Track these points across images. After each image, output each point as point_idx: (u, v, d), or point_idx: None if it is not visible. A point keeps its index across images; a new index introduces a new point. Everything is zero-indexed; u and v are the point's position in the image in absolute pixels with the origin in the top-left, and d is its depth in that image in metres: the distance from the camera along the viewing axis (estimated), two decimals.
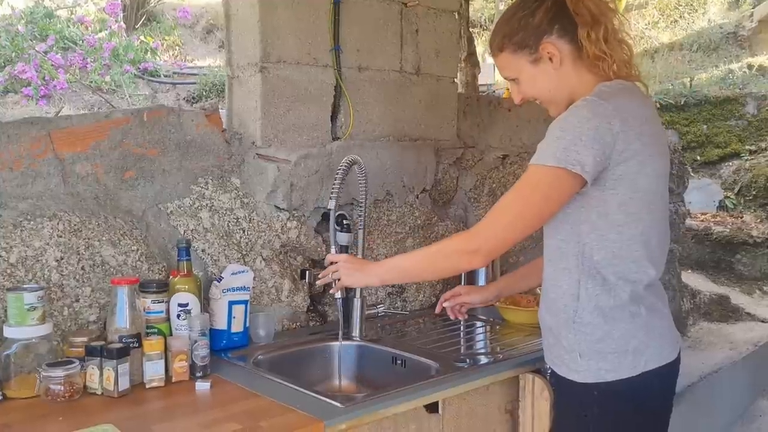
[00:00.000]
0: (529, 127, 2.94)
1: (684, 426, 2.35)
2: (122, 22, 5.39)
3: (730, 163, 6.21)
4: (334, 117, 2.27)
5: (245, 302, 1.89)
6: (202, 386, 1.59)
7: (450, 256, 1.57)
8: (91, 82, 4.61)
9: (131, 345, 1.57)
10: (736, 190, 6.01)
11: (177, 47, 6.17)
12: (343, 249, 2.02)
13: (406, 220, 2.42)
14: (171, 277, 1.79)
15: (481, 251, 1.51)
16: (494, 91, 5.65)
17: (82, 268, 1.73)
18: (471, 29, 3.75)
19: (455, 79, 2.67)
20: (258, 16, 2.05)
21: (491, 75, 5.55)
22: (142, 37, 5.52)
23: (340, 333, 1.92)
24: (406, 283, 2.38)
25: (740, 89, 6.67)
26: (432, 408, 1.63)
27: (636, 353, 1.49)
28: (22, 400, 1.49)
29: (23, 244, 1.65)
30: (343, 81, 2.26)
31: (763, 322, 4.35)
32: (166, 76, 5.20)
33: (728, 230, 5.25)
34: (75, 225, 1.73)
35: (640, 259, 1.50)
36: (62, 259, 1.70)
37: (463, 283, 2.30)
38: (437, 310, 2.03)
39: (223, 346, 1.85)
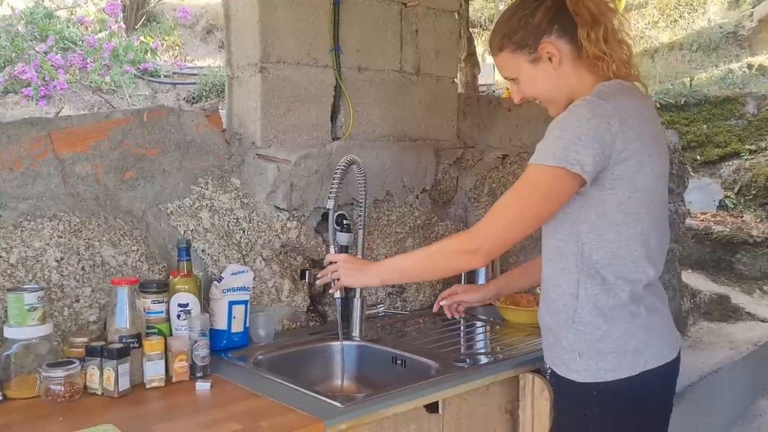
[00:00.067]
0: (529, 127, 2.94)
1: (684, 426, 2.35)
2: (122, 23, 5.39)
3: (730, 163, 6.21)
4: (334, 117, 2.27)
5: (245, 302, 1.89)
6: (203, 386, 1.59)
7: (450, 255, 1.57)
8: (91, 82, 4.61)
9: (131, 345, 1.57)
10: (736, 190, 6.01)
11: (177, 47, 6.17)
12: (343, 249, 2.02)
13: (406, 220, 2.42)
14: (171, 277, 1.79)
15: (480, 251, 1.51)
16: (494, 91, 5.65)
17: (83, 269, 1.73)
18: (471, 29, 3.75)
19: (455, 79, 2.67)
20: (258, 16, 2.05)
21: (491, 75, 5.55)
22: (142, 38, 5.52)
23: (340, 333, 1.92)
24: (406, 283, 2.38)
25: (740, 89, 6.67)
26: (432, 408, 1.63)
27: (635, 353, 1.50)
28: (22, 400, 1.50)
29: (23, 244, 1.65)
30: (343, 81, 2.26)
31: (763, 321, 4.35)
32: (166, 76, 5.20)
33: (728, 230, 5.25)
34: (75, 225, 1.73)
35: (639, 258, 1.50)
36: (62, 259, 1.70)
37: (463, 283, 2.30)
38: (435, 308, 2.04)
39: (223, 347, 1.85)
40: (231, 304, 1.86)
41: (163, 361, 1.60)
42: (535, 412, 1.75)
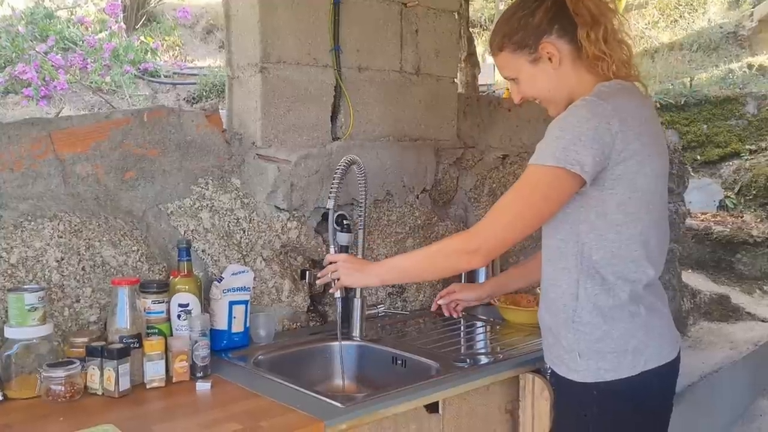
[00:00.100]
0: (529, 127, 2.94)
1: (684, 426, 2.35)
2: (122, 23, 5.39)
3: (730, 163, 6.21)
4: (334, 117, 2.27)
5: (245, 302, 1.89)
6: (203, 386, 1.59)
7: (450, 255, 1.57)
8: (92, 82, 4.61)
9: (132, 345, 1.57)
10: (736, 190, 6.01)
11: (177, 47, 6.17)
12: (343, 249, 2.02)
13: (406, 220, 2.42)
14: (171, 277, 1.79)
15: (480, 251, 1.51)
16: (494, 91, 5.65)
17: (83, 269, 1.73)
18: (471, 29, 3.75)
19: (455, 79, 2.67)
20: (258, 16, 2.06)
21: (491, 75, 5.55)
22: (142, 38, 5.52)
23: (339, 333, 1.92)
24: (406, 283, 2.38)
25: (740, 89, 6.67)
26: (432, 408, 1.63)
27: (635, 353, 1.50)
28: (23, 400, 1.50)
29: (24, 244, 1.65)
30: (343, 81, 2.26)
31: (763, 321, 4.35)
32: (166, 76, 5.20)
33: (728, 230, 5.25)
34: (75, 225, 1.73)
35: (639, 258, 1.50)
36: (63, 259, 1.70)
37: (463, 283, 2.30)
38: (433, 307, 2.07)
39: (224, 347, 1.85)
40: (231, 304, 1.86)
41: (163, 362, 1.61)
42: (535, 412, 1.75)
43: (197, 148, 2.01)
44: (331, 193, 1.91)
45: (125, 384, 1.52)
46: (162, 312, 1.72)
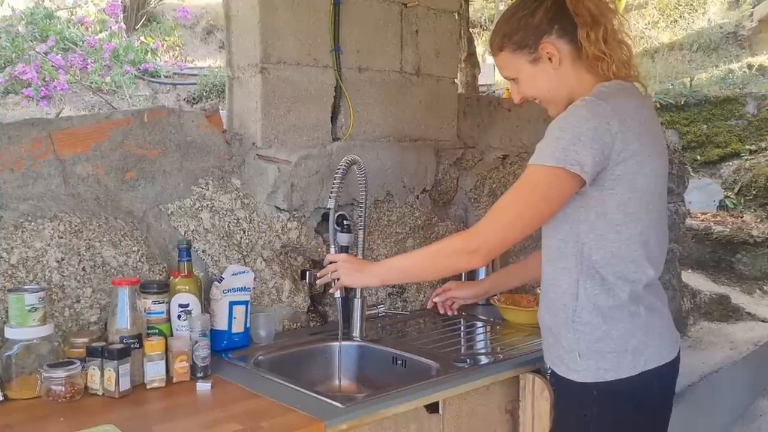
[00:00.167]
0: (529, 127, 2.94)
1: (684, 426, 2.35)
2: (122, 23, 5.39)
3: (730, 163, 6.21)
4: (334, 118, 2.28)
5: (246, 303, 1.89)
6: (203, 387, 1.59)
7: (450, 255, 1.57)
8: (92, 82, 4.61)
9: (132, 346, 1.57)
10: (736, 190, 6.01)
11: (177, 48, 6.17)
12: (344, 249, 2.02)
13: (407, 220, 2.42)
14: (172, 277, 1.79)
15: (480, 251, 1.52)
16: (494, 92, 5.65)
17: (83, 269, 1.73)
18: (471, 29, 3.75)
19: (455, 80, 2.67)
20: (258, 17, 2.06)
21: (491, 75, 5.55)
22: (142, 38, 5.52)
23: (340, 333, 1.92)
24: (406, 283, 2.38)
25: (740, 89, 6.67)
26: (432, 408, 1.64)
27: (635, 353, 1.50)
28: (23, 400, 1.50)
29: (24, 245, 1.65)
30: (344, 81, 2.26)
31: (763, 321, 4.35)
32: (166, 76, 5.20)
33: (728, 230, 5.25)
34: (76, 226, 1.73)
35: (639, 258, 1.50)
36: (63, 260, 1.70)
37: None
38: (429, 305, 2.09)
39: (224, 347, 1.85)
40: (231, 304, 1.86)
41: (163, 362, 1.61)
42: (535, 413, 1.75)
43: (197, 148, 2.01)
44: (332, 193, 1.91)
45: (125, 384, 1.52)
46: (162, 312, 1.72)
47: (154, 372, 1.59)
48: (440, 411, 1.65)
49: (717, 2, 9.32)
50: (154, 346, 1.60)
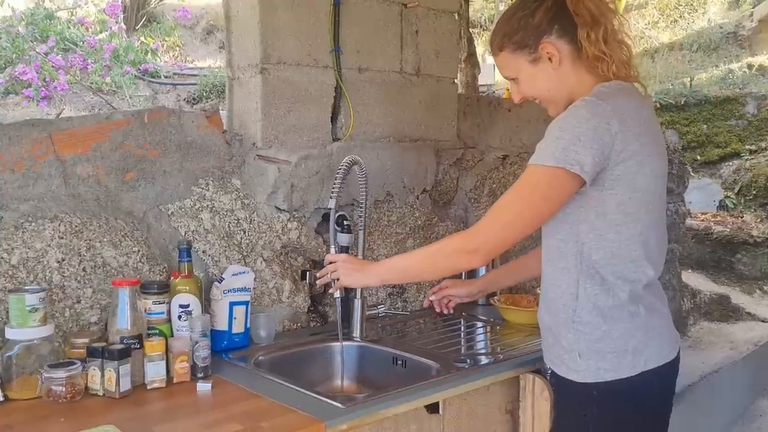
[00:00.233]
0: (529, 128, 2.94)
1: (684, 426, 2.35)
2: (122, 23, 5.39)
3: (730, 163, 6.21)
4: (334, 118, 2.28)
5: (246, 303, 1.89)
6: (203, 387, 1.59)
7: (450, 255, 1.58)
8: (92, 83, 4.61)
9: (132, 346, 1.57)
10: (736, 190, 6.01)
11: (177, 48, 6.17)
12: (344, 250, 2.02)
13: (407, 220, 2.42)
14: (172, 278, 1.79)
15: (480, 251, 1.52)
16: (494, 92, 5.65)
17: (84, 270, 1.73)
18: (471, 30, 3.75)
19: (455, 80, 2.67)
20: (258, 17, 2.06)
21: (491, 75, 5.55)
22: (142, 38, 5.52)
23: (340, 333, 1.92)
24: (406, 283, 2.38)
25: (740, 89, 6.68)
26: (433, 408, 1.64)
27: (635, 353, 1.50)
28: (23, 401, 1.50)
29: (25, 245, 1.65)
30: (344, 82, 2.26)
31: (763, 321, 4.35)
32: (166, 77, 5.20)
33: (728, 230, 5.25)
34: (76, 226, 1.74)
35: (639, 258, 1.50)
36: (63, 260, 1.70)
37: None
38: (425, 303, 2.12)
39: (224, 347, 1.85)
40: (232, 304, 1.86)
41: (164, 362, 1.61)
42: (535, 413, 1.75)
43: (198, 148, 2.01)
44: (332, 193, 1.91)
45: (126, 385, 1.52)
46: (163, 313, 1.72)
47: (155, 372, 1.59)
48: (440, 411, 1.65)
49: (717, 2, 9.32)
50: (154, 346, 1.60)
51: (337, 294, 1.90)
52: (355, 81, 2.31)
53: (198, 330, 1.67)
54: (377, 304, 2.31)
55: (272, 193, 2.08)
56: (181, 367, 1.62)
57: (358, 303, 2.01)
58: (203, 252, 1.97)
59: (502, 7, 5.58)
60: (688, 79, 7.14)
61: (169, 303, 1.74)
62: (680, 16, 9.44)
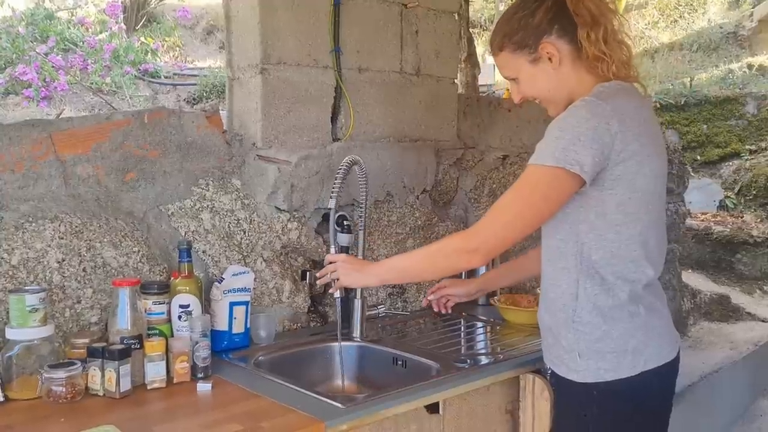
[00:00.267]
0: (530, 128, 2.94)
1: (684, 426, 2.35)
2: (122, 24, 5.39)
3: (730, 163, 6.22)
4: (334, 118, 2.28)
5: (246, 303, 1.89)
6: (204, 387, 1.59)
7: (450, 255, 1.58)
8: (92, 83, 4.61)
9: (132, 346, 1.57)
10: (736, 190, 6.01)
11: (177, 48, 6.17)
12: (344, 250, 2.02)
13: (407, 220, 2.43)
14: (172, 278, 1.79)
15: (480, 250, 1.52)
16: (494, 92, 5.65)
17: (84, 270, 1.73)
18: (471, 30, 3.76)
19: (455, 80, 2.67)
20: (258, 17, 2.06)
21: (491, 75, 5.55)
22: (142, 39, 5.52)
23: (339, 333, 1.92)
24: (406, 283, 2.38)
25: (740, 89, 6.68)
26: (433, 408, 1.64)
27: (635, 353, 1.50)
28: (24, 401, 1.50)
29: (25, 245, 1.65)
30: (344, 82, 2.26)
31: (763, 321, 4.35)
32: (166, 77, 5.20)
33: (728, 230, 5.25)
34: (76, 227, 1.74)
35: (639, 258, 1.50)
36: (64, 260, 1.70)
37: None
38: (424, 303, 2.14)
39: (224, 347, 1.85)
40: (232, 305, 1.86)
41: (164, 362, 1.61)
42: (535, 413, 1.75)
43: (198, 149, 2.01)
44: (332, 193, 1.91)
45: (126, 385, 1.52)
46: (163, 313, 1.72)
47: (155, 372, 1.59)
48: (440, 411, 1.65)
49: (717, 2, 9.32)
50: (154, 346, 1.60)
51: (337, 294, 1.90)
52: (355, 81, 2.31)
53: (198, 330, 1.67)
54: (377, 304, 2.31)
55: (272, 193, 2.09)
56: (181, 367, 1.62)
57: (358, 303, 2.01)
58: (203, 252, 1.97)
59: (502, 7, 5.58)
60: (688, 79, 7.14)
61: (169, 303, 1.74)
62: (680, 16, 9.44)
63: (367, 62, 2.34)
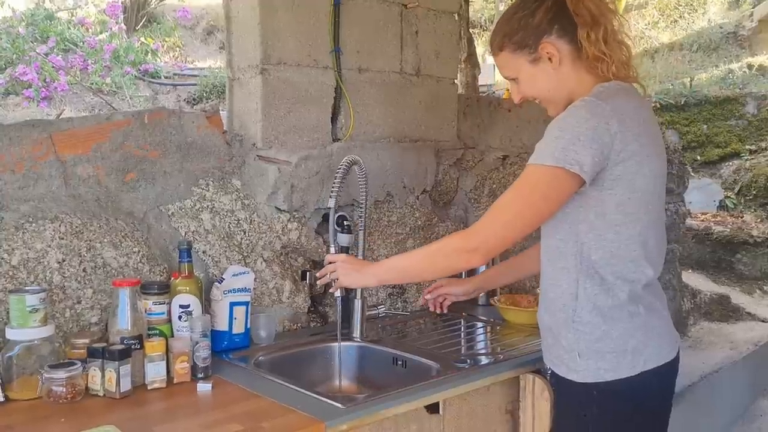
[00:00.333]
0: (529, 128, 2.94)
1: (684, 426, 2.36)
2: (123, 24, 5.40)
3: (730, 163, 6.22)
4: (334, 118, 2.28)
5: (246, 303, 1.89)
6: (204, 387, 1.59)
7: (449, 255, 1.58)
8: (92, 83, 4.61)
9: (133, 346, 1.57)
10: (736, 190, 6.02)
11: (177, 48, 6.17)
12: (344, 250, 2.02)
13: (407, 221, 2.43)
14: (172, 278, 1.79)
15: (480, 250, 1.52)
16: (494, 92, 5.65)
17: (84, 270, 1.73)
18: (471, 30, 3.75)
19: (455, 80, 2.67)
20: (258, 18, 2.06)
21: (491, 76, 5.55)
22: (142, 39, 5.53)
23: (339, 333, 1.92)
24: (406, 283, 2.39)
25: (740, 89, 6.68)
26: (433, 408, 1.64)
27: (635, 353, 1.50)
28: (24, 401, 1.50)
29: (25, 246, 1.66)
30: (344, 82, 2.26)
31: (763, 321, 4.35)
32: (166, 77, 5.20)
33: (728, 230, 5.25)
34: (76, 227, 1.74)
35: (638, 258, 1.50)
36: (64, 261, 1.70)
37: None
38: (421, 302, 2.14)
39: (225, 347, 1.86)
40: (232, 305, 1.86)
41: (164, 362, 1.61)
42: (535, 413, 1.75)
43: (198, 149, 2.02)
44: (332, 192, 1.91)
45: (126, 385, 1.52)
46: (163, 313, 1.72)
47: (155, 373, 1.59)
48: (440, 411, 1.65)
49: (717, 2, 9.32)
50: (154, 346, 1.60)
51: (338, 293, 1.90)
52: (355, 81, 2.31)
53: (198, 330, 1.67)
54: (377, 305, 2.31)
55: (272, 193, 2.09)
56: (181, 367, 1.62)
57: (358, 303, 2.01)
58: (203, 252, 1.97)
59: (502, 7, 5.58)
60: (688, 79, 7.14)
61: (169, 303, 1.74)
62: (680, 16, 9.44)
63: (367, 62, 2.34)
